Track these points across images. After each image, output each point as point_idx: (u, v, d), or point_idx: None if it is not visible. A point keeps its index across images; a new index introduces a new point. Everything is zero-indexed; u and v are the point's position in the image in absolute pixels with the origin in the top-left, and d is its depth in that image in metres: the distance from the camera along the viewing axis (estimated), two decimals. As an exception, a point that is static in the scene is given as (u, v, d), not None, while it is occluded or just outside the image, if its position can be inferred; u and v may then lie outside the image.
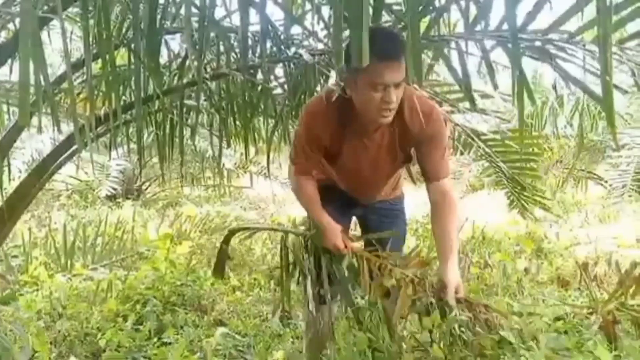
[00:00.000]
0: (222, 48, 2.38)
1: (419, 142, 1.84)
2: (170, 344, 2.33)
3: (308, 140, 1.89)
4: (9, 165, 2.54)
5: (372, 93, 1.66)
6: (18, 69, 0.85)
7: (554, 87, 6.56)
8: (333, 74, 2.23)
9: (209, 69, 2.54)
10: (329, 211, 2.04)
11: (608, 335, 1.70)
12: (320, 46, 2.33)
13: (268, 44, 2.29)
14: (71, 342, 2.37)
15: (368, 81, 1.65)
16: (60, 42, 1.21)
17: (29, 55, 0.81)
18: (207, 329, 2.57)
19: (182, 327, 2.55)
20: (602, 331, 1.71)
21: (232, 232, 2.26)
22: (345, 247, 1.93)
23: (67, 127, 3.19)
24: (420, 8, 1.73)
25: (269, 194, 7.79)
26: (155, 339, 2.40)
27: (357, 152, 1.88)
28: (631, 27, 1.77)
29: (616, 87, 2.07)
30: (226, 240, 2.24)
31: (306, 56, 2.09)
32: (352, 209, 2.20)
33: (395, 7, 2.39)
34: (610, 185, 5.66)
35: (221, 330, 2.47)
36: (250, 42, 2.33)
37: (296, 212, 6.28)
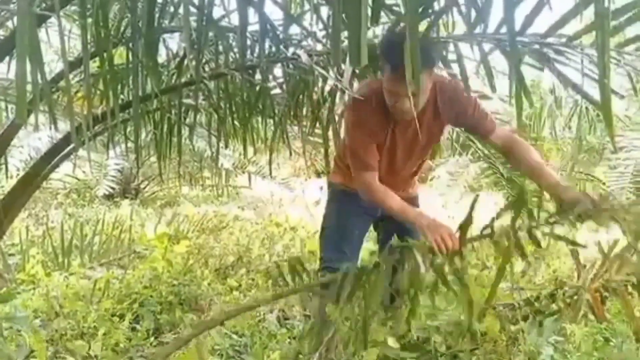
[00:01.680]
0: (220, 47, 2.38)
1: (457, 114, 1.91)
2: (167, 343, 2.32)
3: (361, 133, 1.89)
4: (6, 163, 2.53)
5: (389, 97, 1.75)
6: (15, 67, 0.85)
7: (552, 92, 6.57)
8: (331, 75, 2.23)
9: (207, 69, 2.54)
10: (352, 214, 2.10)
11: (596, 314, 1.72)
12: (319, 47, 2.33)
13: (266, 44, 2.29)
14: (67, 341, 2.36)
15: (385, 86, 1.75)
16: (59, 40, 1.21)
17: (26, 53, 0.81)
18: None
19: (179, 327, 2.55)
20: (590, 310, 1.73)
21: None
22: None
23: (65, 126, 3.18)
24: (420, 10, 1.73)
25: (267, 194, 7.79)
26: (152, 339, 2.40)
27: (396, 140, 1.94)
28: (629, 32, 1.78)
29: (614, 91, 2.08)
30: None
31: (304, 57, 2.09)
32: (372, 212, 2.20)
33: (395, 9, 2.39)
34: (609, 187, 5.67)
35: (218, 329, 2.47)
36: (248, 41, 2.32)
37: (294, 213, 6.28)
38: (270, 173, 4.78)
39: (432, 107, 1.88)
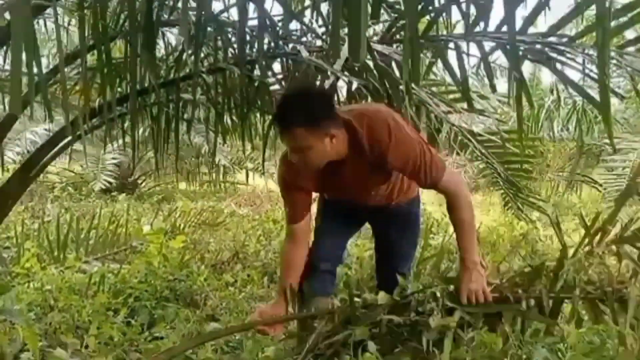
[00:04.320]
0: (219, 42, 2.37)
1: (389, 166, 1.81)
2: (161, 338, 2.31)
3: (288, 188, 1.93)
4: (2, 155, 2.52)
5: None
6: (10, 58, 0.84)
7: (552, 91, 6.58)
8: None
9: (206, 63, 2.53)
10: (336, 213, 2.08)
11: None
12: (319, 42, 2.32)
13: (266, 39, 2.28)
14: (62, 335, 2.35)
15: None
16: (60, 32, 1.19)
17: (22, 44, 0.80)
18: (199, 324, 2.56)
19: (173, 322, 2.54)
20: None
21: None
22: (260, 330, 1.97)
23: (63, 119, 3.17)
24: (420, 7, 1.72)
25: (264, 190, 7.79)
26: (146, 333, 2.39)
27: (333, 181, 1.89)
28: (629, 34, 1.78)
29: (614, 92, 2.08)
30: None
31: (304, 52, 2.08)
32: (360, 215, 2.19)
33: (395, 7, 2.38)
34: (605, 189, 5.68)
35: (213, 325, 2.46)
36: (248, 36, 2.31)
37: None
38: (264, 169, 4.77)
39: (358, 152, 1.76)
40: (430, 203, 6.32)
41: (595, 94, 1.58)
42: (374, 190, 1.99)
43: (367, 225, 2.43)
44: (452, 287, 1.84)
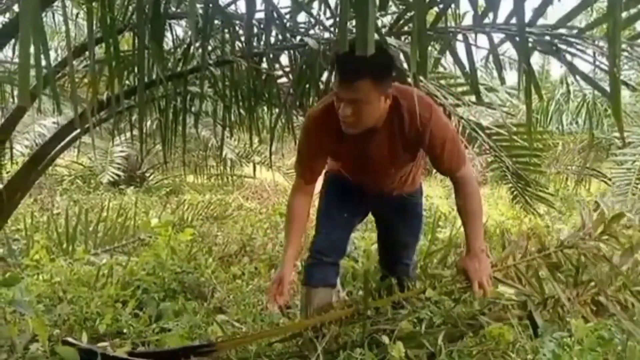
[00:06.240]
0: (227, 35, 2.36)
1: (423, 145, 1.83)
2: (169, 330, 2.33)
3: (311, 146, 1.91)
4: (11, 148, 2.53)
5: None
6: (19, 50, 0.84)
7: (561, 83, 6.53)
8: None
9: (213, 56, 2.52)
10: (342, 202, 2.07)
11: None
12: (327, 35, 2.31)
13: (273, 32, 2.27)
14: (70, 326, 2.37)
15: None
16: (69, 25, 1.19)
17: (30, 36, 0.80)
18: (207, 317, 2.57)
19: (181, 314, 2.55)
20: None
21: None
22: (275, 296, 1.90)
23: (71, 111, 3.18)
24: (428, -1, 1.71)
25: (271, 184, 7.80)
26: (154, 325, 2.40)
27: (358, 151, 1.88)
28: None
29: (624, 84, 2.05)
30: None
31: (312, 42, 2.07)
32: (366, 201, 2.19)
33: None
34: (615, 183, 5.63)
35: (220, 318, 2.47)
36: (255, 29, 2.31)
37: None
38: (271, 162, 4.77)
39: (396, 124, 1.79)
40: (438, 197, 6.30)
41: (605, 86, 1.56)
42: (395, 169, 2.00)
43: (373, 218, 2.43)
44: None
